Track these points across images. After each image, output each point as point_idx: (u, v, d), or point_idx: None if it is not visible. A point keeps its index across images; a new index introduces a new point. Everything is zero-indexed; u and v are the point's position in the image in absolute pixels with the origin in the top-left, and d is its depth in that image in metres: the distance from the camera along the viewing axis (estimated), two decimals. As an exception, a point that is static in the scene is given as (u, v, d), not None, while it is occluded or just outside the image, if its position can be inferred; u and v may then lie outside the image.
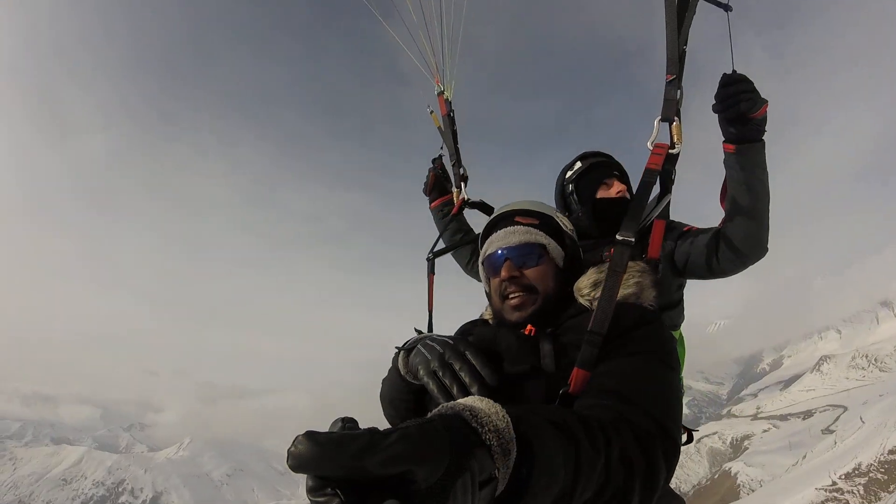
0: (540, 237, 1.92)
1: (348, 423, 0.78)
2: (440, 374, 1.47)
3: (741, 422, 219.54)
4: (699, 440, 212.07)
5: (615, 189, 2.88)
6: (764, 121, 2.20)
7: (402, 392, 1.78)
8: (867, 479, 74.91)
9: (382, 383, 1.94)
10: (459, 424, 0.84)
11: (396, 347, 1.79)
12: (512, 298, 1.86)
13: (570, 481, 1.00)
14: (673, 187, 2.21)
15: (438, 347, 1.54)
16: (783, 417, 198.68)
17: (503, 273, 1.86)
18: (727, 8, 2.20)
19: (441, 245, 3.18)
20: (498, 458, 0.83)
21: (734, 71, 2.20)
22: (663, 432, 1.32)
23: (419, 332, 2.12)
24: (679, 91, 2.07)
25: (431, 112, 3.67)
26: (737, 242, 2.40)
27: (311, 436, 0.71)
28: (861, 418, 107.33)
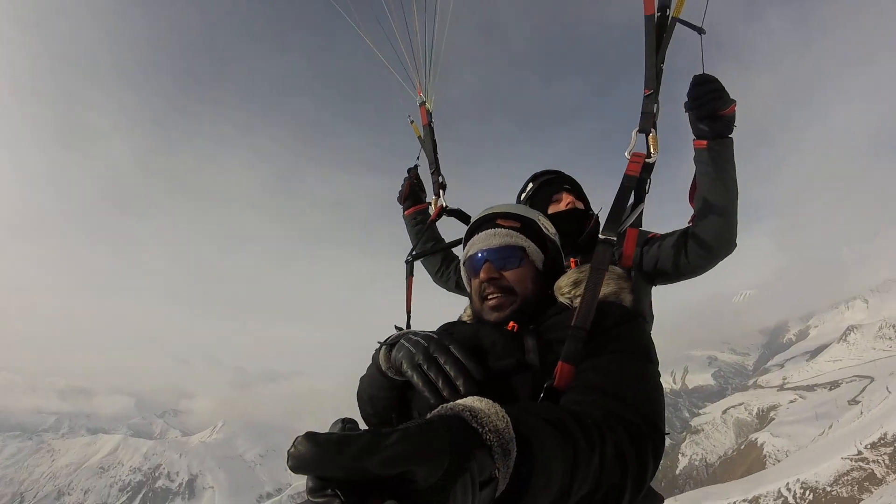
0: (520, 240, 1.95)
1: (348, 423, 0.80)
2: (425, 367, 1.47)
3: (767, 392, 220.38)
4: (725, 411, 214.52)
5: (564, 202, 2.98)
6: (733, 118, 2.30)
7: (383, 389, 1.74)
8: (893, 448, 76.43)
9: (361, 381, 1.90)
10: (459, 425, 0.84)
11: (378, 342, 1.78)
12: (490, 299, 1.89)
13: (568, 479, 1.01)
14: (647, 197, 2.29)
15: (422, 341, 1.54)
16: (809, 388, 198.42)
17: (482, 275, 1.90)
18: (700, 31, 2.28)
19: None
20: (498, 458, 0.84)
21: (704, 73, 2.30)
22: (652, 428, 1.36)
23: (399, 329, 2.13)
24: (656, 105, 2.14)
25: (412, 122, 3.76)
26: (707, 238, 2.46)
27: (310, 437, 0.71)
28: (888, 388, 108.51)
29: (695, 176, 2.47)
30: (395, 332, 1.84)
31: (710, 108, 2.25)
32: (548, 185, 3.05)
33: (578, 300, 1.76)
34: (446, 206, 3.51)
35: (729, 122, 2.31)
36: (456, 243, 3.36)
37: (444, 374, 1.44)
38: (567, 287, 1.93)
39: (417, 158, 3.80)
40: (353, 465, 0.70)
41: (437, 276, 3.63)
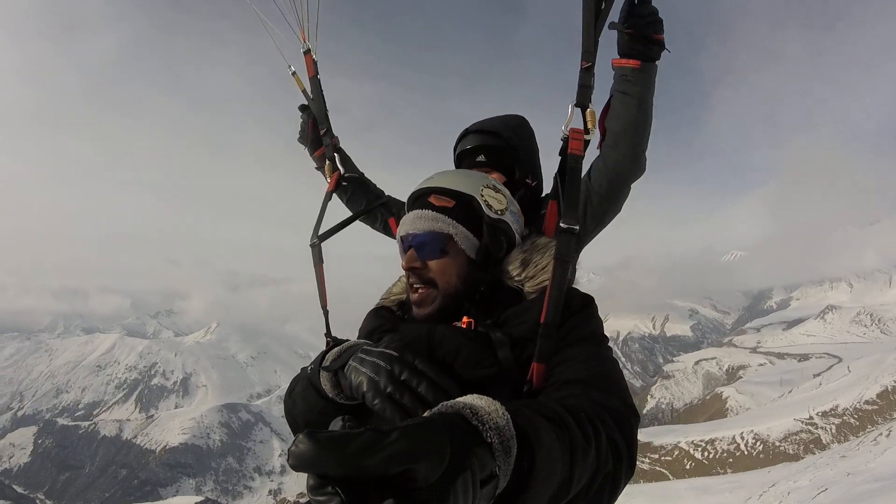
0: (447, 226, 1.73)
1: (349, 421, 0.79)
2: (397, 396, 1.28)
3: (740, 352, 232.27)
4: (698, 362, 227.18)
5: None
6: (664, 45, 2.24)
7: (328, 415, 1.50)
8: (841, 420, 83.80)
9: (291, 401, 1.67)
10: (460, 423, 0.85)
11: (314, 366, 1.55)
12: (414, 291, 1.75)
13: (568, 473, 1.02)
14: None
15: (382, 363, 1.33)
16: (780, 356, 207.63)
17: (404, 263, 1.75)
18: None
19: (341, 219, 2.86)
20: (499, 455, 0.85)
21: None
22: (632, 411, 1.37)
23: (331, 339, 1.96)
24: (593, 78, 1.96)
25: (294, 73, 3.01)
26: (618, 155, 2.33)
27: (311, 435, 0.69)
28: (848, 368, 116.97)
29: (610, 99, 2.33)
30: (327, 347, 1.62)
31: (651, 29, 2.18)
32: (465, 156, 2.62)
33: (528, 283, 1.72)
34: (343, 173, 3.03)
35: (661, 48, 2.25)
36: (366, 211, 3.02)
37: (422, 400, 1.28)
38: (515, 270, 1.76)
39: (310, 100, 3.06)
40: (353, 463, 0.68)
41: (363, 217, 3.10)
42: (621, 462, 1.21)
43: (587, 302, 1.69)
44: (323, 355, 1.54)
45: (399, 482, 0.71)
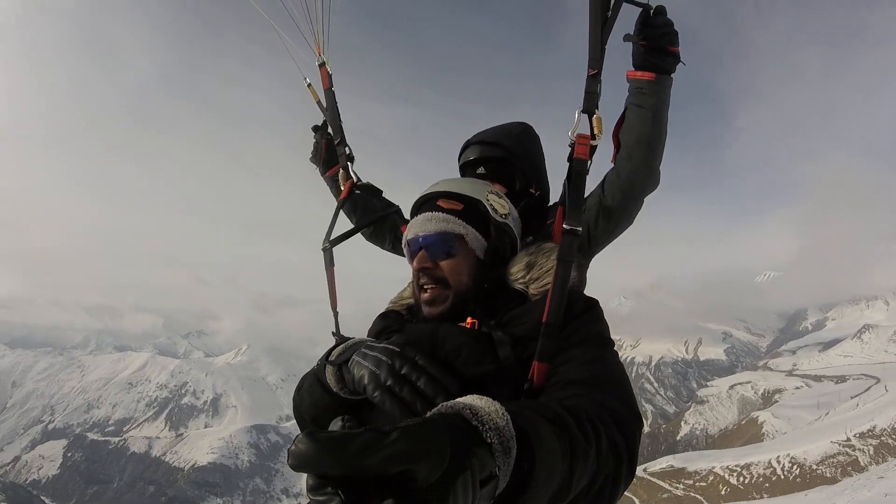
0: (457, 226, 1.79)
1: (349, 421, 0.82)
2: (397, 389, 1.30)
3: (776, 376, 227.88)
4: (732, 387, 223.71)
5: None
6: (679, 57, 2.20)
7: (332, 410, 1.56)
8: (879, 441, 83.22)
9: (299, 397, 1.71)
10: (460, 423, 0.85)
11: (320, 361, 1.59)
12: (425, 291, 1.78)
13: (568, 474, 1.02)
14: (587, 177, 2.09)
15: (384, 357, 1.36)
16: (817, 378, 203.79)
17: (415, 263, 1.79)
18: (646, 7, 2.16)
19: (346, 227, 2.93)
20: (499, 455, 0.85)
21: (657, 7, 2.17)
22: (635, 415, 1.37)
23: (339, 336, 1.97)
24: (599, 85, 2.00)
25: (309, 85, 3.13)
26: (632, 167, 2.32)
27: (311, 435, 0.70)
28: (886, 387, 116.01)
29: (624, 111, 2.29)
30: (334, 342, 1.65)
31: (666, 41, 2.14)
32: (467, 168, 2.70)
33: (533, 285, 1.76)
34: (357, 181, 3.07)
35: (676, 60, 2.20)
36: (377, 220, 3.05)
37: (421, 394, 1.29)
38: (520, 272, 1.82)
39: (324, 114, 3.16)
40: (353, 463, 0.68)
41: (371, 237, 3.16)
42: (621, 464, 1.21)
43: (590, 305, 1.70)
44: (330, 352, 1.58)
45: (399, 482, 0.70)
